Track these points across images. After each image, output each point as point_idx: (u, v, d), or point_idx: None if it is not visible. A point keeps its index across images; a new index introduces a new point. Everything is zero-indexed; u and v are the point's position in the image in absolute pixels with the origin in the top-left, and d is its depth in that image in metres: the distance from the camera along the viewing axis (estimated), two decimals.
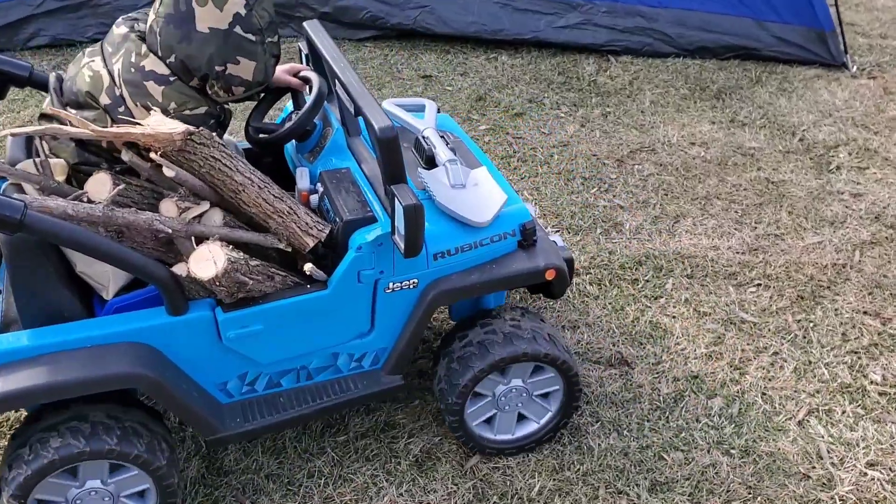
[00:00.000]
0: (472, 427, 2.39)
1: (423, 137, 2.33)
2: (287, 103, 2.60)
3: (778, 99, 4.70)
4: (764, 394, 2.82)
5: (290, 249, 2.13)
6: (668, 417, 2.72)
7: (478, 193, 2.24)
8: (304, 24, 2.44)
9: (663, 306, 3.19)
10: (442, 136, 2.39)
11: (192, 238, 2.03)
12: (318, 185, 2.28)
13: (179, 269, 2.00)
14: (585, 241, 3.50)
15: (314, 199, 2.26)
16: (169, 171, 1.97)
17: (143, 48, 2.09)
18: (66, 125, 1.98)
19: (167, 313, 2.00)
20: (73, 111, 2.07)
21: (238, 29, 2.02)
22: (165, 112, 2.05)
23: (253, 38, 2.04)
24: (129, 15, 2.19)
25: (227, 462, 2.47)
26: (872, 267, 3.41)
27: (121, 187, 1.99)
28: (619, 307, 3.17)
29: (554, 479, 2.47)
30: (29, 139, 2.22)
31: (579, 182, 3.90)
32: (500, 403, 2.39)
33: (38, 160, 2.06)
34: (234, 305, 2.04)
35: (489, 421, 2.44)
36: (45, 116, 2.10)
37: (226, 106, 2.21)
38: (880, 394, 2.84)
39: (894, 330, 3.10)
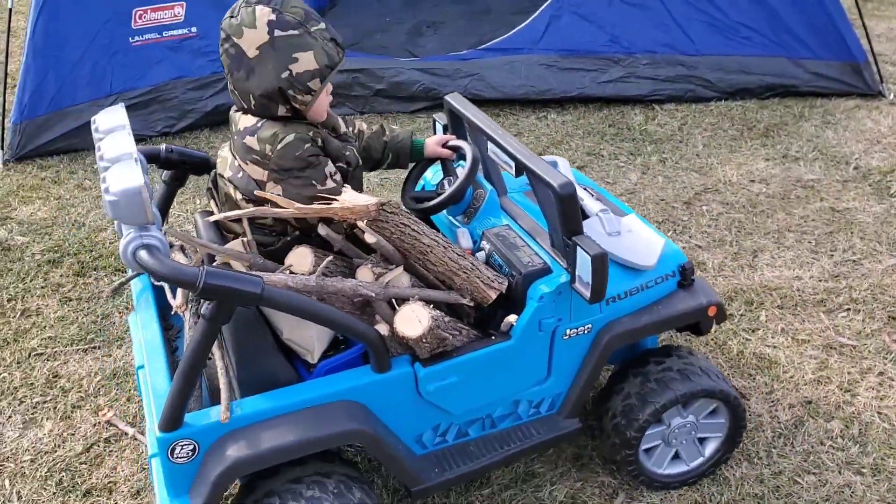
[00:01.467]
0: (643, 459, 2.52)
1: None
2: (425, 175, 2.78)
3: (824, 131, 4.95)
4: (879, 413, 2.96)
5: (473, 304, 2.27)
6: (792, 443, 2.85)
7: (636, 238, 2.41)
8: (446, 97, 2.63)
9: (762, 337, 3.34)
10: (585, 189, 2.56)
11: (389, 300, 2.18)
12: (484, 242, 2.44)
13: (383, 329, 2.14)
14: None
15: (481, 255, 2.42)
16: (370, 238, 2.14)
17: (237, 116, 2.26)
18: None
19: (374, 371, 2.13)
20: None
21: (278, 32, 2.08)
22: (266, 158, 2.16)
23: (296, 31, 2.10)
24: None
25: None
26: None
27: (329, 258, 2.15)
28: (721, 342, 3.32)
29: None
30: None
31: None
32: (668, 438, 2.52)
33: (244, 240, 2.22)
34: (430, 360, 2.18)
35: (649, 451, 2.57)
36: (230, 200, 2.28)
37: (319, 130, 2.25)
38: None
39: None
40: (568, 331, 2.30)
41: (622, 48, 5.27)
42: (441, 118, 2.76)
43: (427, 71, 5.32)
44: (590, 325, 2.33)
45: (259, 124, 2.20)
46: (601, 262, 2.09)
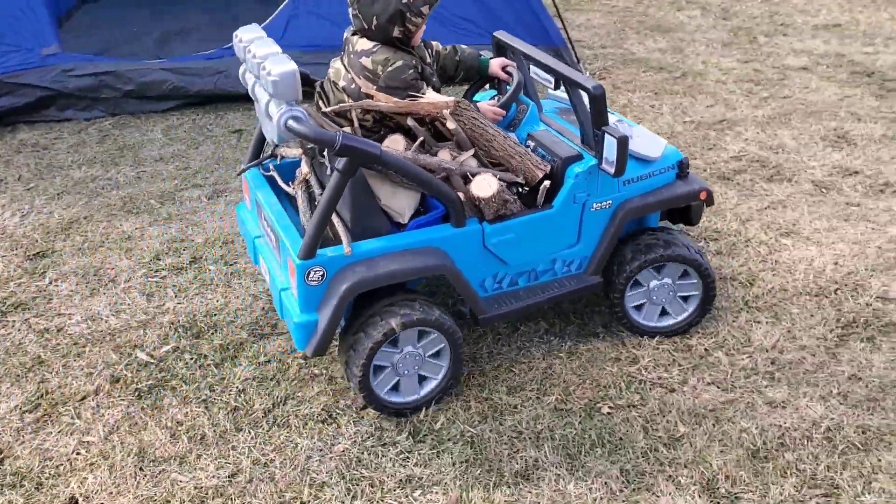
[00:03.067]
0: (629, 308, 3.25)
1: None
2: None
3: None
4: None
5: (524, 182, 2.99)
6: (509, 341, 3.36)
7: (645, 140, 3.14)
8: (494, 34, 3.37)
9: None
10: None
11: (463, 175, 2.89)
12: (529, 141, 3.17)
13: (461, 195, 2.85)
14: None
15: None
16: (451, 124, 2.85)
17: (355, 38, 2.94)
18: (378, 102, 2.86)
19: (453, 226, 2.84)
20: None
21: None
22: (376, 76, 2.84)
23: None
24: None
25: None
26: None
27: (420, 140, 2.86)
28: None
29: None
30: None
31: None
32: (651, 295, 3.24)
33: (354, 127, 2.93)
34: (494, 220, 2.89)
35: (639, 308, 3.29)
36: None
37: (424, 65, 2.95)
38: None
39: None
40: (595, 204, 3.03)
41: None
42: (487, 54, 3.48)
43: (175, 71, 5.61)
44: (610, 201, 3.06)
45: (374, 48, 2.88)
46: (624, 143, 2.81)
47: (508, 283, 3.05)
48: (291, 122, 2.59)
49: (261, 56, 2.68)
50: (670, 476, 2.68)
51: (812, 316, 3.43)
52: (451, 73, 3.31)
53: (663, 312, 3.31)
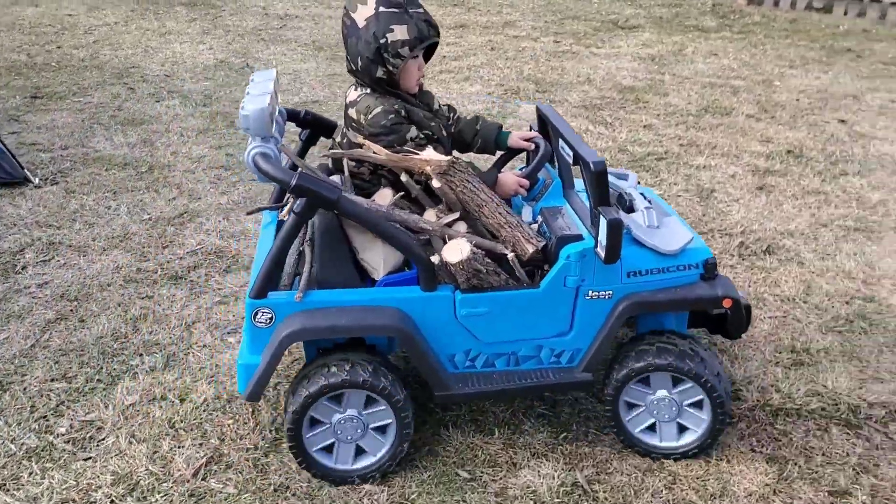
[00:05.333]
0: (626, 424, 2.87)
1: (625, 192, 2.94)
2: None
3: None
4: None
5: (513, 254, 2.75)
6: None
7: (670, 232, 2.79)
8: (537, 104, 3.18)
9: None
10: (641, 194, 2.98)
11: (444, 238, 2.71)
12: (539, 217, 2.92)
13: (434, 259, 2.67)
14: None
15: (534, 226, 2.90)
16: (436, 183, 2.69)
17: (349, 91, 2.86)
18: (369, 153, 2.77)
19: (421, 289, 2.66)
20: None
21: (382, 8, 2.70)
22: (361, 126, 2.78)
23: (396, 10, 2.71)
24: None
25: None
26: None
27: (400, 195, 2.73)
28: None
29: None
30: (325, 167, 3.06)
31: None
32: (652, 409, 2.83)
33: (342, 176, 2.86)
34: (468, 290, 2.67)
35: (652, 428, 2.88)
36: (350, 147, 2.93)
37: (407, 102, 2.84)
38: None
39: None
40: (591, 292, 2.71)
41: None
42: (535, 125, 3.29)
43: None
44: (611, 292, 2.72)
45: (358, 98, 2.85)
46: (616, 226, 2.50)
47: (483, 363, 2.79)
48: (258, 158, 2.57)
49: (250, 95, 2.70)
50: None
51: None
52: (468, 139, 3.17)
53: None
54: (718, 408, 2.76)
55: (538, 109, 3.18)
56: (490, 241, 2.76)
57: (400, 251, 2.65)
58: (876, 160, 5.75)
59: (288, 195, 3.13)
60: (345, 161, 2.87)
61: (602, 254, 2.57)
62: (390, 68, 2.78)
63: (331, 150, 2.84)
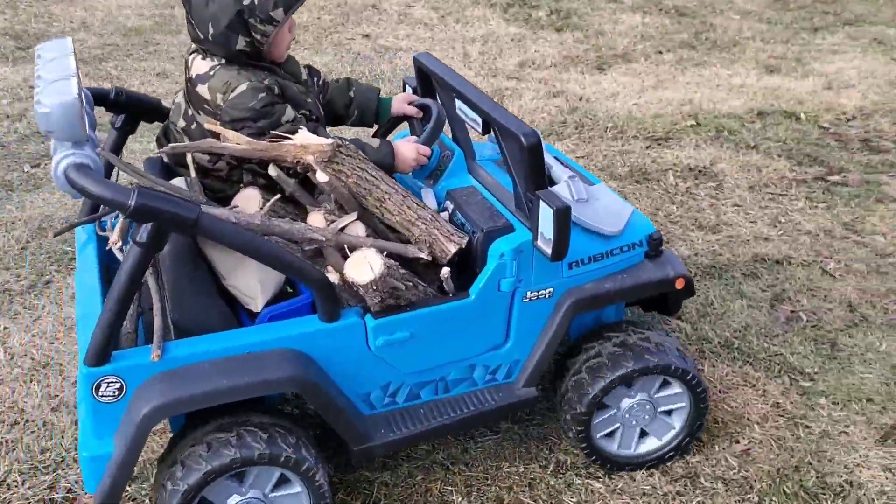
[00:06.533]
0: (597, 440, 2.39)
1: None
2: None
3: None
4: None
5: (430, 258, 2.17)
6: None
7: (604, 206, 2.31)
8: (415, 55, 2.55)
9: None
10: (555, 158, 2.48)
11: (341, 248, 2.07)
12: (448, 202, 2.34)
13: (332, 276, 2.03)
14: None
15: (444, 215, 2.32)
16: (322, 176, 2.03)
17: (191, 58, 2.16)
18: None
19: (321, 320, 2.02)
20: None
21: None
22: (218, 108, 2.07)
23: None
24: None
25: None
26: None
27: (277, 198, 2.04)
28: None
29: None
30: (159, 163, 2.29)
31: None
32: (624, 418, 2.39)
33: (187, 179, 2.12)
34: (382, 313, 2.06)
35: (611, 435, 2.44)
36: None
37: (280, 80, 2.14)
38: None
39: None
40: (529, 293, 2.19)
41: None
42: (411, 80, 2.67)
43: None
44: (552, 290, 2.22)
45: (212, 72, 2.10)
46: (564, 216, 1.99)
47: (406, 396, 2.21)
48: (73, 173, 1.79)
49: (46, 80, 1.88)
50: None
51: None
52: (342, 111, 2.52)
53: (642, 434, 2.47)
54: (701, 402, 2.40)
55: (416, 61, 2.55)
56: (399, 244, 2.15)
57: (290, 276, 1.99)
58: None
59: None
60: (189, 156, 2.12)
61: (547, 249, 2.05)
62: (258, 37, 2.06)
63: (171, 145, 2.06)
